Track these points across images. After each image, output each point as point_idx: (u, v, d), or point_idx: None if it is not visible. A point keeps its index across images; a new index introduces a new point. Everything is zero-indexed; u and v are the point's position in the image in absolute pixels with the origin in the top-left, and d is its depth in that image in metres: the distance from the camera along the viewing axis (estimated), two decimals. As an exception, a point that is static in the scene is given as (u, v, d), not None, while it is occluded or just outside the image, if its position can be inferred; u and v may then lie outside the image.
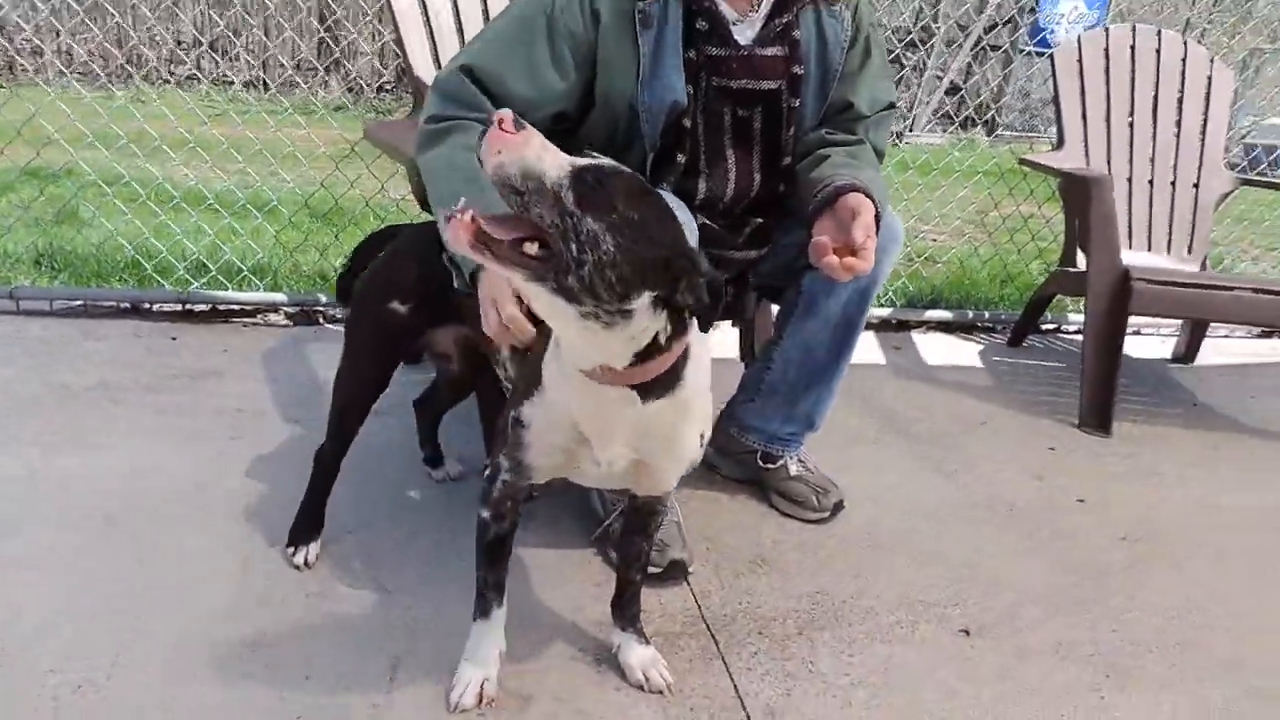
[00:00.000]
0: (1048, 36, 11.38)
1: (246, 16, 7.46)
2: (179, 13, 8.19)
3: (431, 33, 2.45)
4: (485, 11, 2.50)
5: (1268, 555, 2.01)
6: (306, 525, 1.68)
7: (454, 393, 1.92)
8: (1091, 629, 1.69)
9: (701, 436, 1.30)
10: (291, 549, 1.66)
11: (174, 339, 2.65)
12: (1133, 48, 3.13)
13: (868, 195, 1.56)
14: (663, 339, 1.10)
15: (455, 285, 1.45)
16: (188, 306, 2.84)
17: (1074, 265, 2.99)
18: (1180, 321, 3.39)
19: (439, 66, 2.44)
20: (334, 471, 1.69)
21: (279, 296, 2.88)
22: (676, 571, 1.70)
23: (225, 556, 1.65)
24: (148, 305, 2.84)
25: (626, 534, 1.46)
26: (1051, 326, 3.53)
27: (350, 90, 8.27)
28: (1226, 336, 3.63)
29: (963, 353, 3.20)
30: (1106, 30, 3.13)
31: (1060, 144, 3.08)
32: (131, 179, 3.16)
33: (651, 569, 1.63)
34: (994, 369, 3.08)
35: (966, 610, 1.71)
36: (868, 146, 1.80)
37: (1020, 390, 2.88)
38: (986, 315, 3.47)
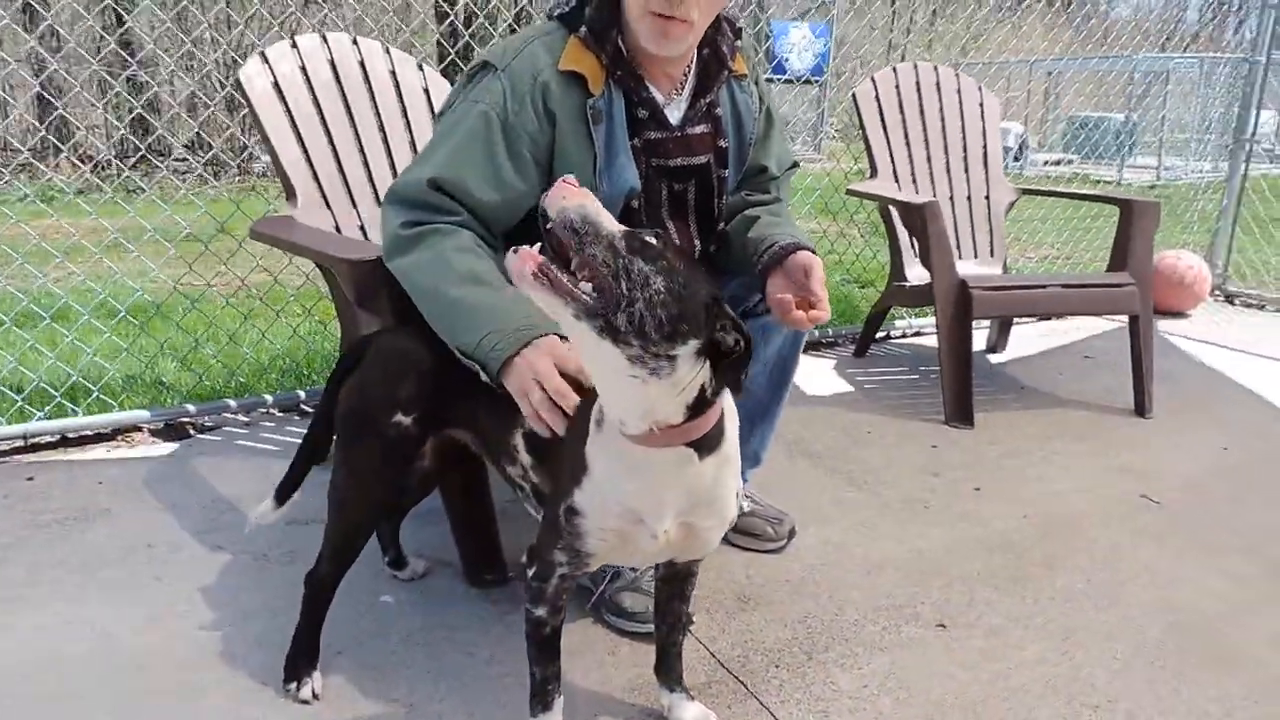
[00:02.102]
0: (783, 64, 12.47)
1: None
2: None
3: (292, 118, 2.38)
4: (342, 94, 2.47)
5: (1132, 507, 2.37)
6: (304, 655, 1.58)
7: (422, 492, 1.88)
8: (1036, 601, 1.93)
9: (736, 493, 1.37)
10: (294, 684, 1.55)
11: (31, 479, 2.37)
12: (917, 83, 3.56)
13: (812, 252, 1.72)
14: (709, 392, 1.16)
15: (483, 379, 1.44)
16: (32, 440, 2.54)
17: (904, 280, 3.35)
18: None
19: (305, 153, 2.38)
20: (331, 596, 1.61)
21: (142, 414, 2.64)
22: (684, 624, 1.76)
23: (216, 711, 1.53)
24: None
25: (664, 601, 1.51)
26: (883, 334, 3.91)
27: (94, 170, 7.58)
28: (1017, 323, 4.18)
29: (821, 370, 3.47)
30: (894, 70, 3.54)
31: (874, 173, 3.44)
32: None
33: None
34: (853, 381, 3.37)
35: (933, 605, 1.91)
36: (784, 204, 1.97)
37: (885, 397, 3.19)
38: (830, 332, 3.80)
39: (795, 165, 2.02)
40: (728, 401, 1.25)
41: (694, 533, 1.31)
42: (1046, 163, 12.21)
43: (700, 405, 1.15)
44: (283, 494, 1.63)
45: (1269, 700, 1.63)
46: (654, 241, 1.12)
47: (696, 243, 1.89)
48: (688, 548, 1.36)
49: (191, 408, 2.70)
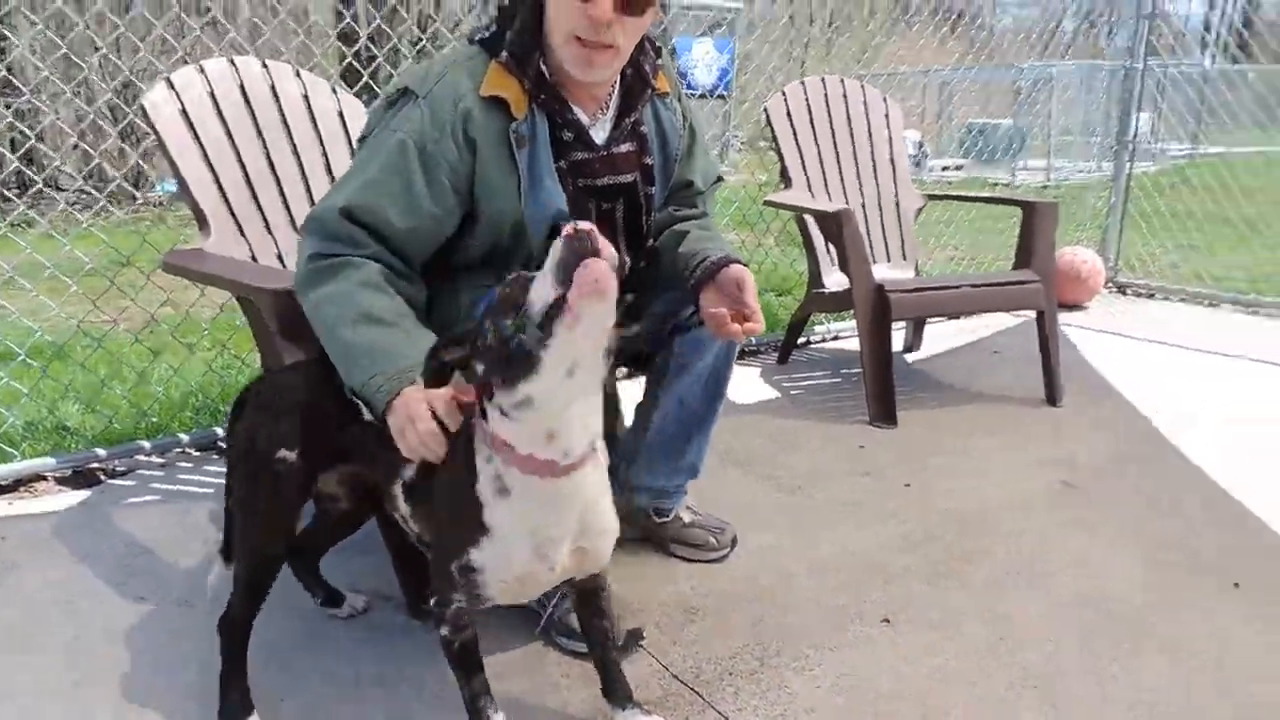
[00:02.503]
0: (690, 80, 12.67)
1: None
2: None
3: (202, 146, 2.30)
4: (254, 120, 2.40)
5: (1054, 496, 2.47)
6: (234, 702, 1.53)
7: (342, 531, 1.83)
8: (967, 591, 1.99)
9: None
10: (231, 733, 1.50)
11: (-75, 538, 2.22)
12: (825, 95, 3.66)
13: (743, 265, 1.75)
14: None
15: (367, 418, 1.49)
16: (-77, 496, 2.39)
17: (823, 286, 3.43)
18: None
19: (217, 181, 2.31)
20: (247, 637, 1.57)
21: (47, 461, 2.50)
22: (633, 641, 1.76)
23: (159, 765, 1.46)
24: None
25: (586, 621, 1.53)
26: (803, 340, 3.98)
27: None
28: (929, 323, 4.31)
29: (747, 378, 3.52)
30: (803, 83, 3.62)
31: (788, 183, 3.52)
32: None
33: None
34: (779, 387, 3.43)
35: (875, 603, 1.95)
36: (711, 218, 2.00)
37: (809, 402, 3.25)
38: (753, 341, 3.85)
39: (720, 179, 2.06)
40: None
41: (587, 553, 1.37)
42: (945, 168, 12.65)
43: None
44: (229, 551, 1.63)
45: (1187, 673, 1.72)
46: None
47: (626, 260, 1.89)
48: (583, 567, 1.41)
49: (102, 452, 2.57)
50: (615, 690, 1.53)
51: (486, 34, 1.70)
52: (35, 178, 2.58)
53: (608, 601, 1.52)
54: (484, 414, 1.25)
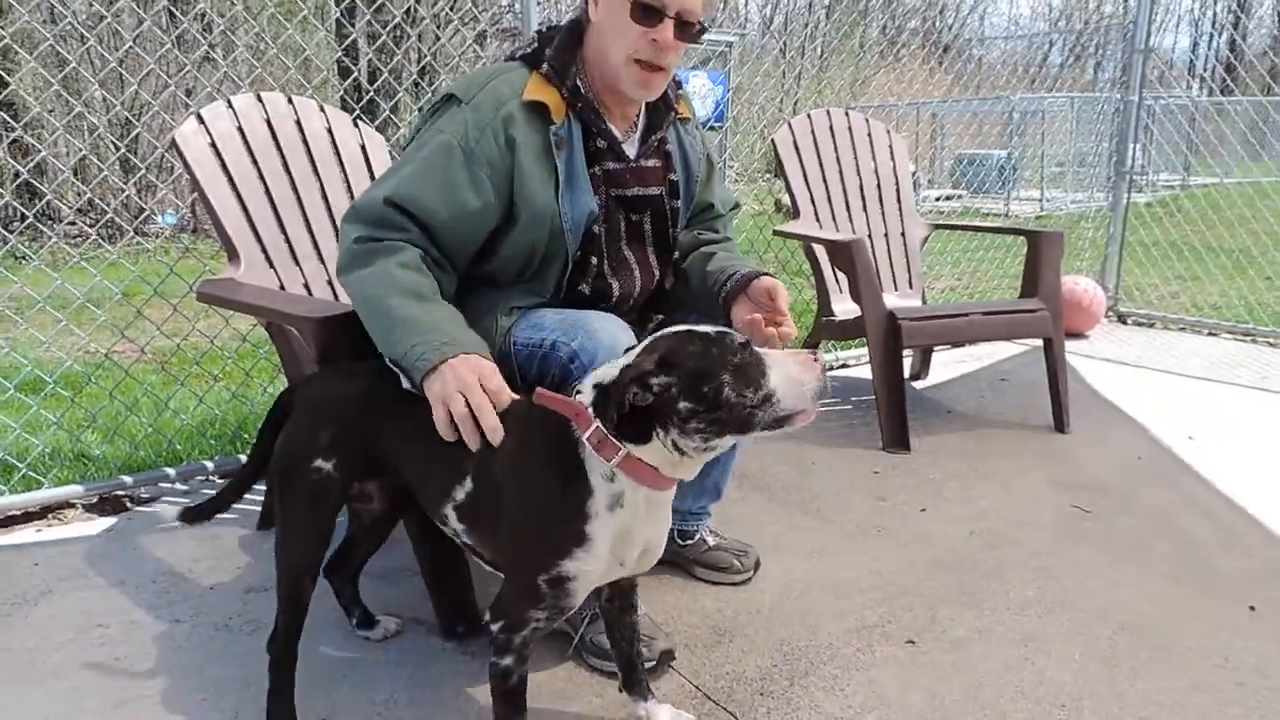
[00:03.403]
0: (686, 113, 12.83)
1: None
2: None
3: (231, 178, 2.36)
4: (280, 153, 2.46)
5: (1066, 518, 2.51)
6: None
7: (375, 538, 1.85)
8: (993, 612, 2.03)
9: None
10: (279, 755, 1.52)
11: (-44, 564, 2.24)
12: (830, 127, 3.74)
13: (773, 278, 1.81)
14: None
15: (404, 385, 1.53)
16: (-48, 523, 2.41)
17: (832, 314, 3.49)
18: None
19: (245, 212, 2.36)
20: (294, 655, 1.59)
21: (75, 489, 2.53)
22: (667, 660, 1.79)
23: (207, 785, 1.48)
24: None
25: (616, 617, 1.59)
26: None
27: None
28: (936, 350, 4.37)
29: (758, 405, 3.56)
30: (809, 116, 3.71)
31: (796, 214, 3.59)
32: None
33: (646, 663, 1.73)
34: (790, 414, 3.47)
35: (900, 624, 1.98)
36: (734, 242, 2.06)
37: (822, 428, 3.29)
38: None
39: (737, 206, 2.12)
40: None
41: (648, 553, 1.44)
42: (938, 199, 12.82)
43: None
44: (191, 514, 1.67)
45: (1211, 691, 1.75)
46: None
47: (656, 272, 1.95)
48: (642, 563, 1.46)
49: (128, 479, 2.60)
50: (638, 685, 1.61)
51: (528, 50, 1.79)
52: (67, 208, 2.62)
53: (637, 595, 1.60)
54: (616, 437, 1.30)
